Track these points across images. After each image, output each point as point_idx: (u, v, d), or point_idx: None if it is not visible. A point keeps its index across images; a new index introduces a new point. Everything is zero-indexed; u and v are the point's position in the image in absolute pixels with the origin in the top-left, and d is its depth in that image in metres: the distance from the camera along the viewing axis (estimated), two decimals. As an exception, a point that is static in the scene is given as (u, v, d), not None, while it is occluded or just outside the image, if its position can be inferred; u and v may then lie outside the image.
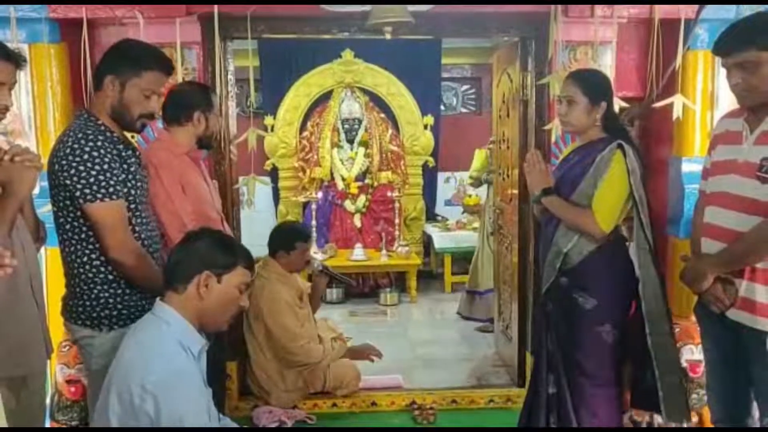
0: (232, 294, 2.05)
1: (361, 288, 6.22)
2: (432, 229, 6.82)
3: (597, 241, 2.68)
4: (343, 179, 6.56)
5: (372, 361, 3.91)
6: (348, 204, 6.54)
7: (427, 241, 6.87)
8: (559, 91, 2.79)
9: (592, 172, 2.67)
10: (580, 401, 2.76)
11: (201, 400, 1.93)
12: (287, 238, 3.78)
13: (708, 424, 2.91)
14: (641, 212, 2.67)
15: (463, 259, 6.51)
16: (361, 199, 6.54)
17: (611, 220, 2.65)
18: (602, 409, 2.78)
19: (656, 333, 2.68)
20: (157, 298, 2.06)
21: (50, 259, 2.95)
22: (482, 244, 5.29)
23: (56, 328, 2.55)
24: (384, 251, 6.11)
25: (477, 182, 5.62)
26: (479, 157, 5.60)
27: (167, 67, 2.39)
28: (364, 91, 6.68)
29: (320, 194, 6.48)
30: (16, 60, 2.05)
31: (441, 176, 7.33)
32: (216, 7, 3.12)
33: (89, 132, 2.22)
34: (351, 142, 6.61)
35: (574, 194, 2.71)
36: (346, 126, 6.60)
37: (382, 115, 6.73)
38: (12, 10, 2.98)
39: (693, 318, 2.74)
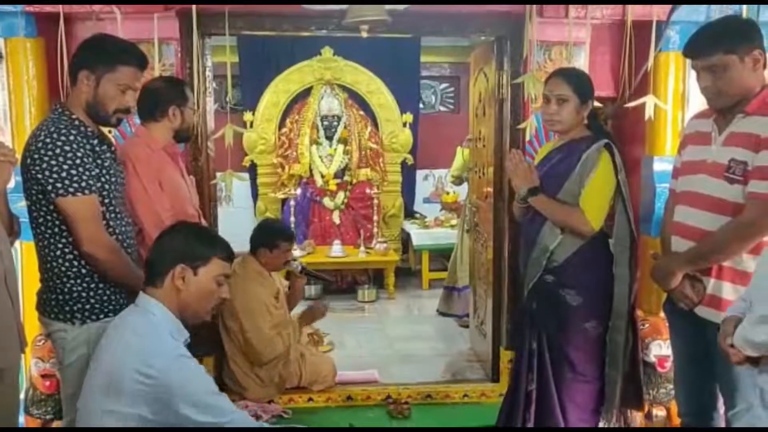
0: (209, 286, 2.07)
1: (339, 284, 6.25)
2: (410, 226, 6.86)
3: (583, 239, 2.73)
4: (322, 176, 6.58)
5: (323, 315, 3.92)
6: (327, 201, 6.55)
7: (405, 238, 6.91)
8: (547, 89, 2.80)
9: (578, 170, 2.70)
10: (567, 397, 2.81)
11: (209, 379, 1.99)
12: (271, 236, 3.77)
13: (675, 417, 2.98)
14: (628, 210, 2.73)
15: (441, 256, 6.57)
16: (340, 196, 6.56)
17: (601, 217, 2.71)
18: (590, 404, 2.84)
19: (614, 329, 2.76)
20: (141, 292, 2.08)
21: (25, 254, 2.94)
22: (461, 242, 5.33)
23: (31, 322, 2.55)
24: (362, 248, 6.13)
25: (459, 180, 5.67)
26: (460, 155, 5.64)
27: (142, 62, 2.39)
28: (344, 89, 6.70)
29: (299, 191, 6.49)
30: None
31: (420, 174, 7.37)
32: (194, 2, 3.12)
33: (62, 126, 2.23)
34: (330, 139, 6.63)
35: (560, 192, 2.74)
36: (326, 123, 6.61)
37: (362, 113, 6.75)
38: (-12, 5, 2.98)
39: (662, 314, 2.80)
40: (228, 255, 2.14)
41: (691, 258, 2.36)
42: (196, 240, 2.10)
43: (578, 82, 2.77)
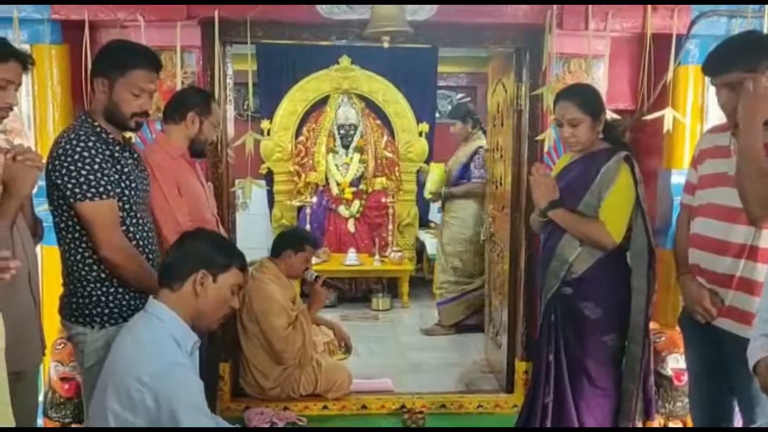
0: (225, 294, 2.10)
1: (353, 293, 6.26)
2: (425, 236, 6.86)
3: (602, 251, 2.73)
4: (338, 184, 6.60)
5: (327, 296, 3.99)
6: (342, 209, 6.57)
7: (419, 248, 6.91)
8: (558, 113, 2.79)
9: (597, 183, 2.71)
10: (585, 410, 2.81)
11: (197, 392, 1.97)
12: (297, 240, 3.90)
13: (692, 432, 2.97)
14: (647, 223, 2.72)
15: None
16: (355, 205, 6.58)
17: (621, 230, 2.70)
18: (608, 417, 2.83)
19: (630, 341, 2.76)
20: (150, 296, 2.10)
21: (46, 258, 2.97)
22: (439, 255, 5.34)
23: (51, 326, 2.58)
24: (377, 256, 6.14)
25: (437, 196, 5.61)
26: (436, 171, 5.63)
27: (154, 64, 2.39)
28: (361, 98, 6.73)
29: (315, 199, 6.52)
30: (23, 61, 2.10)
31: (435, 183, 7.36)
32: (217, 11, 3.16)
33: (82, 133, 2.26)
34: (346, 147, 6.65)
35: (580, 205, 2.75)
36: (342, 131, 6.64)
37: (378, 122, 6.76)
38: (15, 11, 3.02)
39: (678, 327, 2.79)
40: (243, 265, 2.18)
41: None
42: (219, 248, 2.13)
43: (588, 102, 2.76)
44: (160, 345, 1.97)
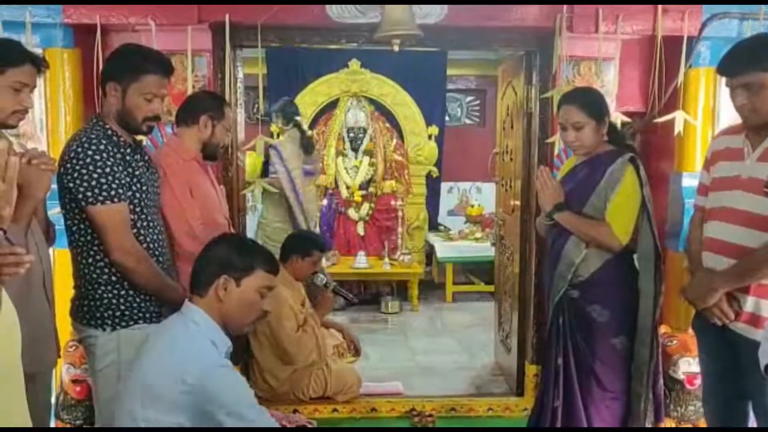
0: (252, 297, 2.09)
1: (362, 296, 6.26)
2: (434, 239, 6.87)
3: (608, 254, 2.72)
4: (347, 187, 6.61)
5: (331, 301, 3.97)
6: (351, 212, 6.58)
7: (429, 251, 6.91)
8: (561, 117, 2.79)
9: (603, 185, 2.71)
10: (595, 413, 2.80)
11: (244, 389, 1.99)
12: (305, 245, 3.86)
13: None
14: (653, 225, 2.72)
15: (465, 269, 6.56)
16: (365, 208, 6.59)
17: (628, 231, 2.70)
18: (617, 421, 2.82)
19: (639, 343, 2.75)
20: (186, 300, 2.10)
21: (58, 261, 2.98)
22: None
23: (63, 328, 2.58)
24: (386, 259, 6.15)
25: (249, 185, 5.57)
26: (249, 160, 5.59)
27: (165, 69, 2.41)
28: (370, 101, 6.74)
29: (324, 202, 6.53)
30: (38, 64, 2.11)
31: (444, 186, 7.38)
32: (228, 15, 3.17)
33: (93, 136, 2.27)
34: (356, 150, 6.66)
35: (586, 207, 2.75)
36: (351, 135, 6.65)
37: (387, 125, 6.77)
38: (28, 15, 3.04)
39: (691, 331, 2.78)
40: (272, 267, 2.15)
41: (735, 274, 2.31)
42: (240, 251, 2.11)
43: (591, 106, 2.76)
44: (200, 347, 1.97)
